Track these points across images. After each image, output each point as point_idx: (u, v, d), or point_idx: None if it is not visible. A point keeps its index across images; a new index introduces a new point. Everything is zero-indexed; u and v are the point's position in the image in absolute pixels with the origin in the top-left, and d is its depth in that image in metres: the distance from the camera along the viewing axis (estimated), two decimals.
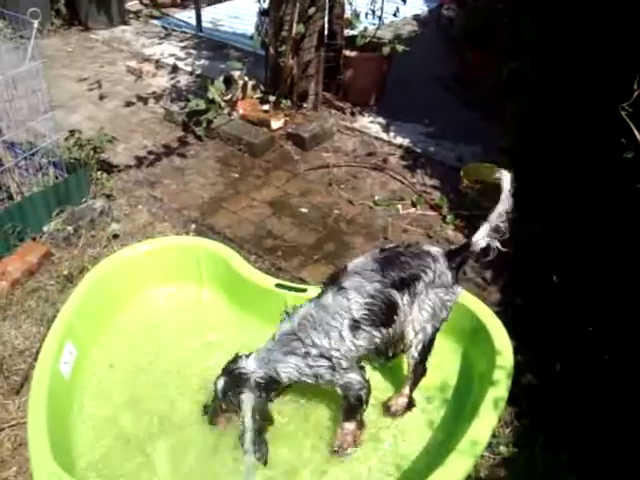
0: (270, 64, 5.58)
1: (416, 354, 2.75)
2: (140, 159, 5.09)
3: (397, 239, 4.12)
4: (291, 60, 5.31)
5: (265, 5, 5.45)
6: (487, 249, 2.72)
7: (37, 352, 3.08)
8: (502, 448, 2.78)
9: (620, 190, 3.41)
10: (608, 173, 3.46)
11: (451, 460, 2.36)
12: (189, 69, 6.72)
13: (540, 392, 3.05)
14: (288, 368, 2.58)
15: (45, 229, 4.00)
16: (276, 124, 5.39)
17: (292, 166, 5.04)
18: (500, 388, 2.64)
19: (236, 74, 5.53)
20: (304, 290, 3.16)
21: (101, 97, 6.16)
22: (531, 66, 4.00)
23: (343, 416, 2.71)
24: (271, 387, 2.62)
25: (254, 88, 5.65)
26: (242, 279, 3.33)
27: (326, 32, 5.54)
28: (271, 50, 5.42)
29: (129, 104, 6.03)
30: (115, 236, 4.09)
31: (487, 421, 2.53)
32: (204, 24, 7.80)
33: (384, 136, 5.44)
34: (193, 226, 4.28)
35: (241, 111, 5.51)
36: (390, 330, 2.65)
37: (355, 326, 2.56)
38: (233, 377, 2.61)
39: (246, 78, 5.60)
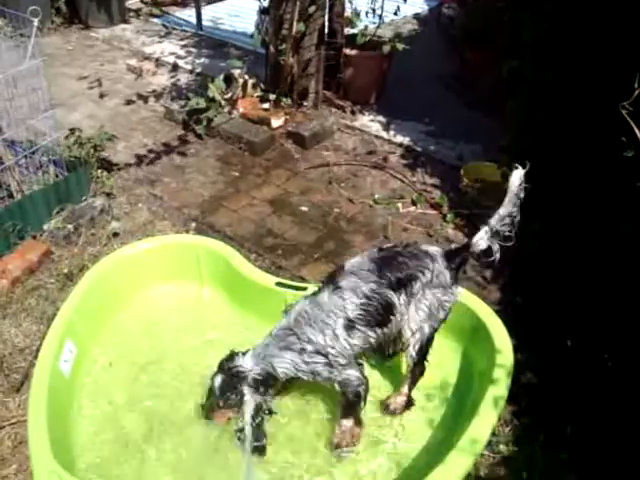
0: (270, 62, 5.58)
1: (414, 353, 2.75)
2: (140, 157, 5.09)
3: (397, 238, 4.12)
4: (291, 58, 5.31)
5: (265, 3, 5.46)
6: (488, 250, 2.69)
7: (37, 350, 3.09)
8: (502, 447, 2.78)
9: (620, 189, 3.41)
10: (608, 172, 3.45)
11: (451, 458, 2.37)
12: (189, 67, 6.72)
13: (540, 391, 3.05)
14: (284, 363, 2.59)
15: (45, 227, 4.01)
16: (276, 122, 5.39)
17: (292, 164, 5.04)
18: (500, 387, 2.64)
19: (236, 72, 5.53)
20: (304, 289, 3.16)
21: (101, 95, 6.16)
22: (531, 65, 3.99)
23: (341, 413, 2.72)
24: (269, 383, 2.63)
25: (254, 86, 5.65)
26: (242, 277, 3.33)
27: (326, 30, 5.55)
28: (271, 48, 5.42)
29: (129, 102, 6.03)
30: (115, 234, 4.09)
31: (487, 419, 2.53)
32: (204, 22, 7.80)
33: (384, 135, 5.44)
34: (193, 224, 4.28)
35: (241, 109, 5.51)
36: (386, 330, 2.66)
37: (350, 326, 2.56)
38: (230, 375, 2.62)
39: (246, 76, 5.60)
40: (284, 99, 5.51)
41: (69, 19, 7.97)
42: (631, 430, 2.81)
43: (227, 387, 2.62)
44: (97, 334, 3.23)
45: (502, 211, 2.65)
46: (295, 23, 5.10)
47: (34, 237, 3.95)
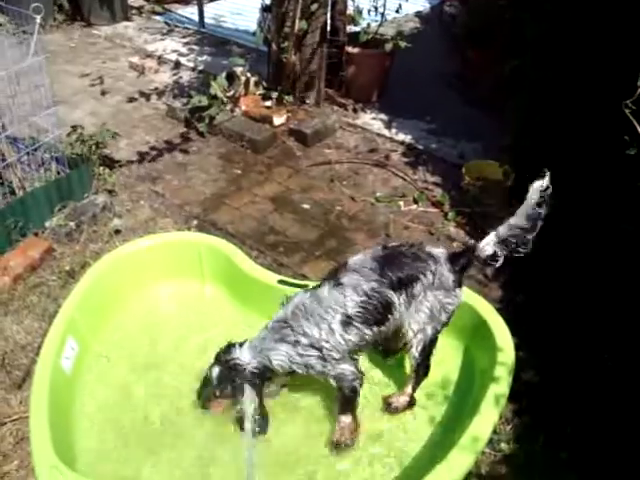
0: (272, 60, 5.58)
1: (417, 354, 2.75)
2: (142, 155, 5.09)
3: (399, 236, 4.12)
4: (293, 56, 5.31)
5: (267, 1, 5.45)
6: (494, 256, 2.65)
7: (39, 347, 3.08)
8: (503, 445, 2.78)
9: (622, 187, 3.41)
10: (610, 170, 3.45)
11: (452, 456, 2.37)
12: (191, 65, 6.72)
13: (541, 389, 3.05)
14: (279, 356, 2.61)
15: (47, 224, 4.01)
16: (278, 120, 5.39)
17: (294, 162, 5.04)
18: (501, 385, 2.64)
19: (238, 70, 5.53)
20: (306, 286, 3.15)
21: (103, 93, 6.17)
22: (533, 64, 3.99)
23: (339, 409, 2.73)
24: (265, 375, 2.65)
25: (256, 84, 5.65)
26: (244, 275, 3.33)
27: (328, 28, 5.55)
28: (273, 46, 5.42)
29: (131, 100, 6.03)
30: (117, 231, 4.09)
31: (488, 417, 2.53)
32: (206, 20, 7.79)
33: (386, 133, 5.44)
34: (195, 222, 4.28)
35: (243, 107, 5.51)
36: (383, 328, 2.66)
37: (347, 322, 2.57)
38: (228, 367, 2.63)
39: (248, 74, 5.60)
40: (286, 97, 5.50)
41: (71, 16, 7.98)
42: (631, 429, 2.81)
43: (224, 378, 2.64)
44: (98, 331, 3.23)
45: (512, 221, 2.58)
46: (297, 21, 5.10)
47: (36, 234, 3.96)
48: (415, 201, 4.52)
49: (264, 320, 2.77)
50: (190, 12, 8.19)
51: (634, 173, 3.05)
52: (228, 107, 5.49)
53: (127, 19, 8.10)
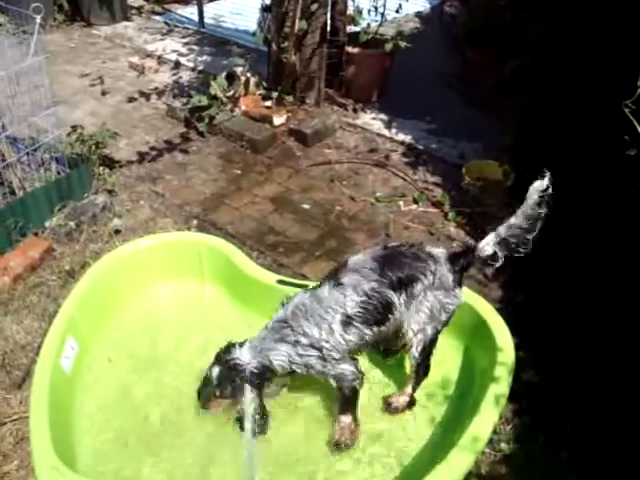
0: (272, 60, 5.58)
1: (417, 354, 2.75)
2: (142, 155, 5.09)
3: (399, 236, 4.12)
4: (293, 56, 5.31)
5: (267, 1, 5.45)
6: (494, 256, 2.64)
7: (39, 347, 3.08)
8: (503, 445, 2.78)
9: (622, 188, 3.41)
10: (610, 170, 3.45)
11: (452, 456, 2.37)
12: (191, 65, 6.72)
13: (541, 389, 3.05)
14: (280, 356, 2.61)
15: (47, 224, 4.01)
16: (278, 120, 5.39)
17: (294, 162, 5.04)
18: (501, 385, 2.64)
19: (238, 70, 5.53)
20: (305, 286, 3.15)
21: (103, 93, 6.17)
22: (532, 64, 3.99)
23: (339, 409, 2.73)
24: (265, 376, 2.65)
25: (257, 84, 5.65)
26: (244, 275, 3.33)
27: (329, 28, 5.55)
28: (273, 46, 5.42)
29: (131, 100, 6.03)
30: (117, 231, 4.09)
31: (488, 417, 2.53)
32: (206, 20, 7.79)
33: (386, 133, 5.44)
34: (195, 222, 4.28)
35: (243, 107, 5.51)
36: (383, 328, 2.66)
37: (347, 322, 2.57)
38: (228, 367, 2.63)
39: (248, 74, 5.60)
40: (286, 97, 5.50)
41: (71, 16, 7.98)
42: (631, 429, 2.81)
43: (224, 378, 2.64)
44: (98, 331, 3.23)
45: (512, 220, 2.58)
46: (297, 21, 5.10)
47: (36, 234, 3.96)
48: (415, 201, 4.52)
49: (264, 320, 2.77)
50: (190, 12, 8.19)
51: (634, 173, 3.05)
52: (228, 107, 5.49)
53: (127, 19, 8.10)
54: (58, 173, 4.19)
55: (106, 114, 5.71)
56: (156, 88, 6.24)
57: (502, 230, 2.61)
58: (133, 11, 8.34)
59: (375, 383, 3.01)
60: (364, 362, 2.91)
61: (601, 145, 3.48)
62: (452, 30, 7.35)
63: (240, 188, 4.70)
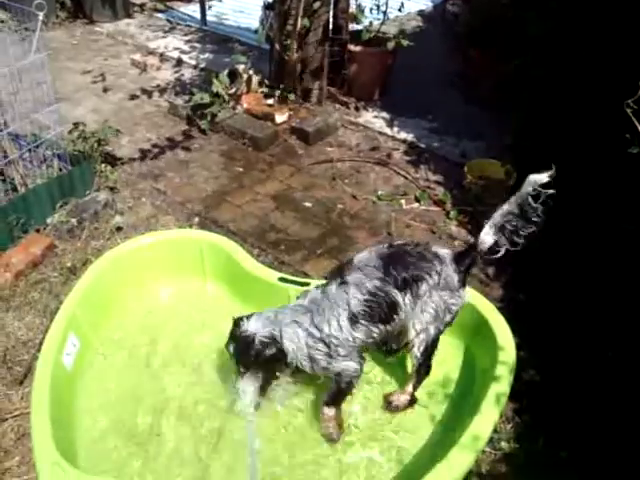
0: (275, 58, 5.58)
1: (419, 354, 2.75)
2: (144, 152, 5.09)
3: (400, 234, 4.13)
4: (296, 54, 5.31)
5: None
6: (495, 246, 2.64)
7: (40, 343, 3.09)
8: (503, 444, 2.79)
9: (623, 187, 3.41)
10: (612, 170, 3.45)
11: (452, 455, 2.37)
12: (193, 63, 6.72)
13: (541, 388, 3.05)
14: (292, 335, 2.59)
15: (49, 221, 4.01)
16: (280, 118, 5.39)
17: (296, 160, 5.04)
18: (502, 384, 2.64)
19: (241, 68, 5.54)
20: (307, 284, 3.16)
21: (105, 90, 6.17)
22: (534, 62, 3.99)
23: (326, 400, 2.73)
24: (272, 351, 2.59)
25: (259, 82, 5.65)
26: (245, 272, 3.33)
27: (331, 26, 5.55)
28: (276, 44, 5.42)
29: (133, 97, 6.03)
30: (118, 228, 4.10)
31: (489, 416, 2.53)
32: (209, 18, 7.79)
33: (388, 131, 5.44)
34: (196, 219, 4.28)
35: (245, 105, 5.51)
36: (389, 327, 2.66)
37: (353, 320, 2.57)
38: (240, 340, 2.63)
39: (251, 72, 5.60)
40: (288, 95, 5.50)
41: (74, 14, 7.97)
42: (632, 429, 2.81)
43: (241, 353, 2.63)
44: (100, 328, 3.23)
45: (505, 207, 2.59)
46: (300, 19, 5.09)
47: (38, 231, 3.96)
48: (417, 200, 4.53)
49: None
50: (192, 10, 8.19)
51: (636, 173, 3.05)
52: (230, 105, 5.49)
53: (129, 16, 8.10)
54: (60, 170, 4.19)
55: (108, 111, 5.71)
56: (158, 85, 6.24)
57: (497, 217, 2.62)
58: (135, 8, 8.33)
59: (376, 382, 3.01)
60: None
61: (603, 144, 3.48)
62: (454, 29, 7.34)
63: (242, 186, 4.70)
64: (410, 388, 2.86)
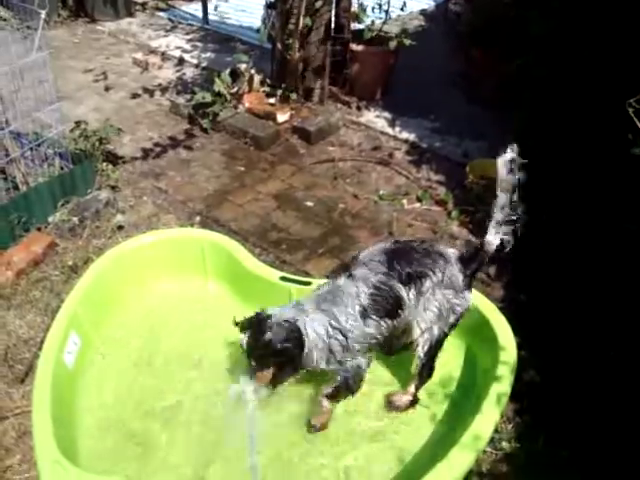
0: (276, 57, 5.58)
1: (422, 354, 2.74)
2: (146, 151, 5.09)
3: (402, 234, 4.13)
4: (297, 53, 5.30)
5: None
6: (502, 244, 2.64)
7: (41, 342, 3.09)
8: (504, 443, 2.78)
9: (625, 187, 3.41)
10: (613, 170, 3.45)
11: (453, 454, 2.37)
12: (195, 62, 6.72)
13: (542, 389, 3.05)
14: (316, 323, 2.55)
15: (50, 220, 4.01)
16: (282, 117, 5.39)
17: (298, 160, 5.04)
18: (503, 384, 2.64)
19: (242, 67, 5.53)
20: (308, 283, 3.17)
21: (107, 88, 6.17)
22: (537, 62, 3.99)
23: (329, 392, 2.72)
24: (294, 337, 2.51)
25: (260, 81, 5.65)
26: (247, 272, 3.33)
27: (333, 26, 5.54)
28: (278, 43, 5.42)
29: (135, 96, 6.03)
30: (120, 227, 4.10)
31: (490, 416, 2.53)
32: (210, 17, 7.78)
33: (390, 131, 5.44)
34: (198, 218, 4.28)
35: (247, 104, 5.51)
36: (395, 322, 2.65)
37: (364, 314, 2.57)
38: (256, 328, 2.53)
39: (252, 71, 5.60)
40: (290, 94, 5.50)
41: (75, 12, 7.98)
42: (633, 428, 2.81)
43: (255, 341, 2.52)
44: (101, 327, 3.23)
45: (499, 201, 2.58)
46: (302, 18, 5.09)
47: (39, 229, 3.96)
48: (418, 199, 4.52)
49: None
50: (194, 8, 8.19)
51: (638, 172, 3.05)
52: (232, 104, 5.49)
53: (131, 15, 8.10)
54: (61, 168, 4.19)
55: (110, 110, 5.71)
56: (160, 84, 6.24)
57: (498, 215, 2.61)
58: (137, 7, 8.33)
59: (376, 382, 3.00)
60: None
61: (605, 144, 3.48)
62: (456, 28, 7.32)
63: (243, 185, 4.70)
64: (412, 389, 2.86)
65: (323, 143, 5.26)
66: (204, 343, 3.20)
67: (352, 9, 5.73)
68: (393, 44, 5.46)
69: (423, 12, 8.27)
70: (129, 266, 3.41)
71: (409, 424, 2.83)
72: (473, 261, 2.70)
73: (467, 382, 2.97)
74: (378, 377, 3.02)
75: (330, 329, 2.56)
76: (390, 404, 2.88)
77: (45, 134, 4.13)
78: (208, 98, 5.37)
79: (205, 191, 4.61)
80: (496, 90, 5.35)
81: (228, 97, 5.46)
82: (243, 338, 2.57)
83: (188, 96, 5.67)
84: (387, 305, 2.59)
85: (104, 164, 4.55)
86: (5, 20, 6.20)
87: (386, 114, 5.71)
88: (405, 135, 5.36)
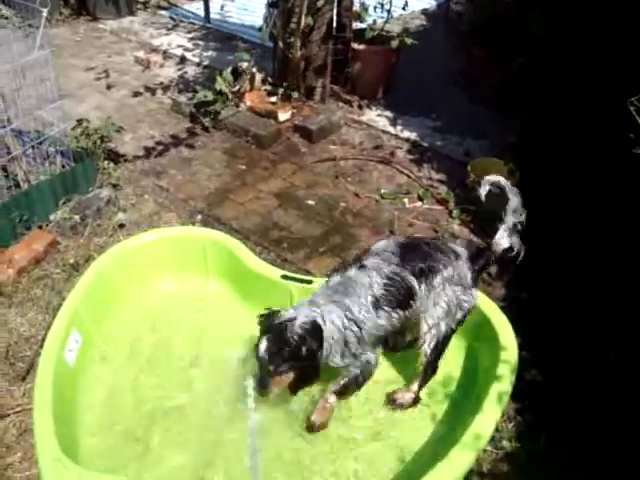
0: (278, 56, 5.57)
1: (429, 351, 2.75)
2: (147, 149, 5.09)
3: (403, 233, 4.12)
4: (299, 52, 5.30)
5: None
6: (509, 250, 2.71)
7: (43, 339, 3.10)
8: (505, 443, 2.79)
9: (627, 186, 3.40)
10: (615, 169, 3.45)
11: (454, 453, 2.37)
12: (197, 60, 6.72)
13: (543, 388, 3.05)
14: (334, 316, 2.53)
15: (52, 218, 4.01)
16: (283, 116, 5.38)
17: (299, 158, 5.04)
18: (504, 383, 2.65)
19: (244, 66, 5.53)
20: (310, 282, 3.17)
21: (109, 87, 6.17)
22: (538, 61, 3.99)
23: (338, 388, 2.70)
24: (318, 334, 2.47)
25: (262, 80, 5.65)
26: (248, 270, 3.33)
27: (334, 25, 5.53)
28: (279, 42, 5.41)
29: (136, 94, 6.03)
30: (121, 225, 4.10)
31: (490, 415, 2.53)
32: (212, 15, 7.79)
33: (391, 129, 5.43)
34: (199, 217, 4.29)
35: (249, 103, 5.51)
36: (407, 313, 2.66)
37: (376, 305, 2.57)
38: (275, 331, 2.47)
39: (254, 70, 5.60)
40: (292, 93, 5.50)
41: (77, 10, 7.99)
42: (634, 428, 2.81)
43: (276, 346, 2.44)
44: (102, 325, 3.23)
45: (511, 204, 2.69)
46: (303, 17, 5.09)
47: (40, 227, 3.96)
48: (420, 198, 4.52)
49: None
50: (196, 7, 8.18)
51: (639, 171, 3.05)
52: (233, 102, 5.49)
53: (132, 14, 8.10)
54: (63, 167, 4.19)
55: (111, 108, 5.71)
56: (161, 83, 6.24)
57: (509, 218, 2.70)
58: (139, 6, 8.33)
59: (377, 381, 3.00)
60: None
61: (607, 143, 3.47)
62: (458, 27, 7.33)
63: (245, 183, 4.70)
64: (415, 387, 2.86)
65: (324, 142, 5.26)
66: (205, 341, 3.20)
67: (354, 8, 5.73)
68: (395, 43, 5.46)
69: (425, 11, 8.27)
70: (130, 264, 3.41)
71: (409, 423, 2.83)
72: (481, 259, 2.76)
73: (468, 381, 2.97)
74: (379, 375, 3.02)
75: (345, 320, 2.55)
76: (393, 402, 2.88)
77: (47, 132, 4.13)
78: (210, 97, 5.37)
79: (206, 189, 4.61)
80: (498, 89, 5.35)
81: (230, 96, 5.46)
82: (261, 344, 2.46)
83: (190, 94, 5.67)
84: (399, 296, 2.60)
85: (105, 162, 4.56)
86: (7, 18, 6.20)
87: (388, 113, 5.71)
88: (406, 134, 5.35)
